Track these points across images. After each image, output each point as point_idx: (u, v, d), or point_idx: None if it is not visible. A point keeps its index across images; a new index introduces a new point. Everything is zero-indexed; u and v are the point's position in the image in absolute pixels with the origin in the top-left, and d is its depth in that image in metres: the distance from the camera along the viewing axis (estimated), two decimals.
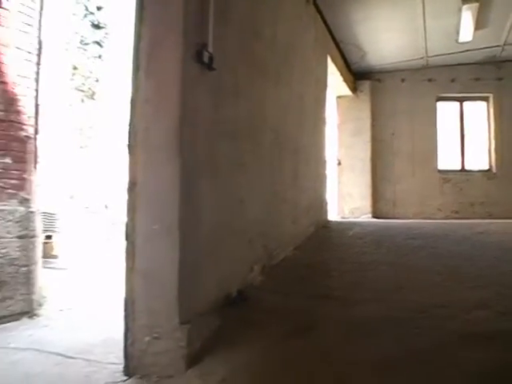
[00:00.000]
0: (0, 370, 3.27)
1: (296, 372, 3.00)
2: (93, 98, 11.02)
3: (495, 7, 8.81)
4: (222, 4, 3.80)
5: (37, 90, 4.95)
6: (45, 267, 5.39)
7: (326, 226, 9.28)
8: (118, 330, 3.37)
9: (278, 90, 5.93)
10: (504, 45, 10.95)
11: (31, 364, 3.47)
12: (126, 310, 3.19)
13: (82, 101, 10.83)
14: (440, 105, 13.02)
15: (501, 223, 9.76)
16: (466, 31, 9.76)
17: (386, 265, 5.84)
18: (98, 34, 11.18)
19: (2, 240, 4.49)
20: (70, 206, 9.63)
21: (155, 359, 3.06)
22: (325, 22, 9.48)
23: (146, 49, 3.23)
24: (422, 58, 11.90)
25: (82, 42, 10.84)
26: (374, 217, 12.60)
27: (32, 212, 4.82)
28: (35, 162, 4.94)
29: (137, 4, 3.29)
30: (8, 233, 4.55)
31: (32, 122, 4.86)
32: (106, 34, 11.30)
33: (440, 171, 12.79)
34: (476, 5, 8.55)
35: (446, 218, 11.96)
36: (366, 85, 13.19)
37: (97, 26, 11.13)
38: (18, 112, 4.70)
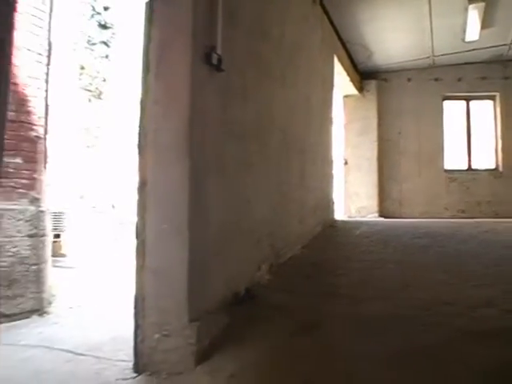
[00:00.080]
0: (11, 367, 3.30)
1: (304, 368, 3.02)
2: (100, 98, 11.07)
3: (501, 6, 8.82)
4: (230, 6, 3.83)
5: (46, 91, 5.01)
6: (53, 266, 5.44)
7: (332, 225, 9.30)
8: (127, 328, 3.42)
9: (285, 90, 5.96)
10: (511, 43, 10.97)
11: (42, 361, 3.51)
12: (136, 307, 3.23)
13: (89, 100, 10.89)
14: (446, 104, 13.02)
15: (507, 222, 9.78)
16: (473, 30, 9.75)
17: (393, 263, 5.85)
18: (105, 34, 11.23)
19: (13, 239, 4.55)
20: (78, 206, 9.69)
21: (165, 356, 3.10)
22: (331, 22, 9.50)
23: (155, 51, 3.27)
24: (428, 57, 11.90)
25: (89, 42, 10.89)
26: (380, 216, 12.61)
27: (42, 211, 4.88)
28: (45, 162, 5.00)
29: (146, 6, 3.33)
30: (19, 232, 4.61)
31: (42, 122, 4.92)
32: (113, 34, 11.36)
33: (446, 170, 12.79)
34: (482, 4, 8.55)
35: (453, 217, 11.96)
36: (372, 84, 13.21)
37: (104, 26, 11.18)
38: (29, 113, 4.76)
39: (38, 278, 4.81)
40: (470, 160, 12.83)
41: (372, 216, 12.56)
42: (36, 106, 4.85)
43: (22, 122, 4.67)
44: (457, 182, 12.64)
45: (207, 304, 3.41)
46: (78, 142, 10.39)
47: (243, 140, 4.40)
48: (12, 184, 4.56)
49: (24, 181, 4.71)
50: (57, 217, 8.30)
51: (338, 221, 10.12)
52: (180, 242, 3.15)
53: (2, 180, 4.20)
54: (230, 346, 3.33)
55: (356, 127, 13.09)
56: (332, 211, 9.81)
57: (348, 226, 9.46)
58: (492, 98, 12.76)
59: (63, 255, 8.04)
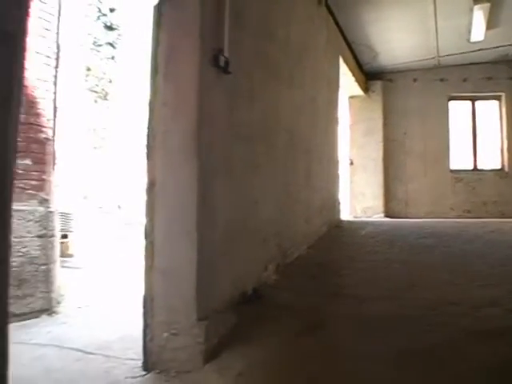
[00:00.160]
0: (22, 366, 3.33)
1: (309, 367, 3.06)
2: (106, 99, 11.11)
3: (507, 7, 8.81)
4: (236, 9, 3.87)
5: (55, 93, 5.05)
6: (61, 266, 5.49)
7: (338, 225, 9.33)
8: (135, 328, 3.48)
9: (291, 91, 5.99)
10: None
11: (52, 359, 3.55)
12: (145, 307, 3.27)
13: (96, 102, 10.93)
14: (452, 104, 13.02)
15: None
16: (478, 31, 9.75)
17: (399, 263, 5.88)
18: (111, 36, 11.26)
19: (23, 239, 4.60)
20: (84, 206, 9.74)
21: (173, 355, 3.14)
22: (337, 23, 9.53)
23: (164, 53, 3.31)
24: (433, 57, 11.90)
25: (95, 43, 10.93)
26: (386, 216, 12.62)
27: (51, 212, 4.93)
28: (53, 163, 5.05)
29: (155, 10, 3.37)
30: (28, 232, 4.66)
31: (51, 124, 4.97)
32: (119, 35, 11.39)
33: (452, 171, 12.79)
34: (487, 5, 8.55)
35: (459, 217, 11.95)
36: (377, 85, 13.22)
37: (110, 28, 11.21)
38: (38, 115, 4.80)
39: (47, 278, 4.86)
40: (475, 160, 12.82)
41: (378, 216, 12.57)
42: (45, 107, 4.89)
43: (31, 123, 4.72)
44: (463, 182, 12.64)
45: (215, 303, 3.45)
46: (84, 143, 10.42)
47: (250, 141, 4.43)
48: (21, 185, 4.61)
49: (33, 182, 4.76)
50: (64, 217, 8.35)
51: (344, 221, 10.15)
52: (188, 243, 3.18)
53: None
54: (237, 345, 3.37)
55: (362, 128, 13.11)
56: (338, 211, 9.84)
57: (354, 226, 9.48)
58: (497, 98, 12.75)
59: (70, 255, 8.07)
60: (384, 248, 7.03)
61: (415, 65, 12.43)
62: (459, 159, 12.90)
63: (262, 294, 4.30)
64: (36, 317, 4.66)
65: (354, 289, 4.78)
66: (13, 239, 4.46)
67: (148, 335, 3.24)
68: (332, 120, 9.24)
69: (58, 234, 5.16)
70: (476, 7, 8.63)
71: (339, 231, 8.76)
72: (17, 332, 4.10)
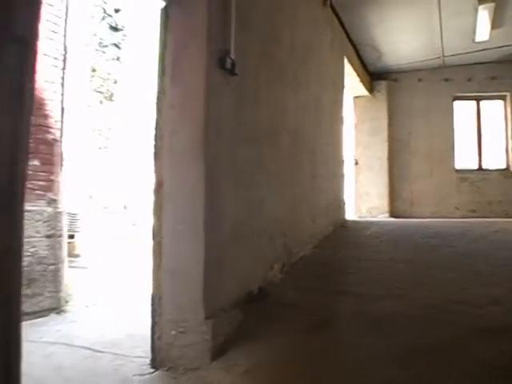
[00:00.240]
0: (33, 363, 3.37)
1: (315, 365, 3.10)
2: (111, 100, 11.14)
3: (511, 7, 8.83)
4: (242, 11, 3.91)
5: (62, 95, 5.10)
6: (68, 266, 5.54)
7: (343, 225, 9.35)
8: (143, 326, 3.52)
9: (297, 92, 6.02)
10: None
11: (62, 357, 3.61)
12: (153, 305, 3.32)
13: (101, 102, 10.96)
14: (457, 104, 13.00)
15: None
16: (483, 31, 9.74)
17: (403, 263, 5.89)
18: (116, 36, 11.28)
19: (32, 239, 4.65)
20: (90, 207, 9.78)
21: (181, 352, 3.18)
22: (341, 24, 9.56)
23: (171, 56, 3.36)
24: (438, 57, 11.90)
25: (100, 44, 10.95)
26: (391, 216, 12.62)
27: (59, 212, 4.99)
28: (61, 164, 5.10)
29: (162, 12, 3.42)
30: (37, 232, 4.72)
31: (58, 125, 5.03)
32: (124, 36, 11.42)
33: (457, 170, 12.77)
34: (492, 5, 8.54)
35: (464, 216, 11.95)
36: (382, 85, 13.21)
37: (115, 29, 11.23)
38: (46, 116, 4.86)
39: (55, 278, 4.92)
40: (480, 160, 12.80)
41: (383, 216, 12.58)
42: (52, 109, 4.95)
43: (40, 125, 4.77)
44: (468, 182, 12.63)
45: (222, 302, 3.50)
46: (89, 144, 10.46)
47: (256, 142, 4.48)
48: (30, 186, 4.65)
49: (41, 182, 4.81)
50: (70, 218, 8.40)
51: (349, 221, 10.16)
52: (196, 243, 3.23)
53: None
54: (244, 343, 3.42)
55: (366, 127, 13.12)
56: (343, 211, 9.86)
57: (359, 226, 9.50)
58: (502, 97, 12.72)
59: (77, 256, 8.11)
60: (389, 248, 7.06)
61: (420, 65, 12.42)
62: (464, 159, 12.88)
63: (268, 292, 4.34)
64: (45, 315, 4.72)
65: (359, 288, 4.81)
66: None
67: (156, 333, 3.29)
68: (337, 120, 9.26)
69: (65, 234, 5.21)
70: (481, 7, 8.63)
71: (344, 231, 8.78)
72: (26, 330, 4.11)
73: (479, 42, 10.54)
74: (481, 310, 3.94)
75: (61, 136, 5.08)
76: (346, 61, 10.01)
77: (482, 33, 9.86)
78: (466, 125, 12.97)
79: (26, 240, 4.56)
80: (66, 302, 5.10)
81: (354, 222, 10.42)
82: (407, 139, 13.07)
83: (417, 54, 11.72)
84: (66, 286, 5.12)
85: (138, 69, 11.08)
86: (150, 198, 3.44)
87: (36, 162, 4.74)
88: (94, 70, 10.74)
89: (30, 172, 4.65)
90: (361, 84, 12.01)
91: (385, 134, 13.04)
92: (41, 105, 4.78)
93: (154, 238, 3.36)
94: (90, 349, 3.76)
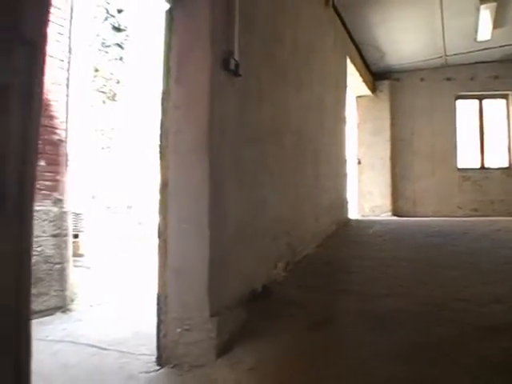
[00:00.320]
0: (40, 361, 3.41)
1: (318, 362, 3.13)
2: (114, 100, 11.19)
3: None
4: (246, 12, 3.95)
5: (67, 95, 5.15)
6: (73, 265, 5.59)
7: (346, 224, 9.39)
8: (148, 324, 3.58)
9: (300, 92, 6.06)
10: None
11: (68, 355, 3.66)
12: (158, 303, 3.37)
13: (104, 102, 11.01)
14: (459, 103, 13.01)
15: None
16: (485, 30, 9.75)
17: (406, 261, 5.91)
18: (119, 37, 11.34)
19: (38, 238, 4.70)
20: (93, 206, 9.83)
21: (187, 349, 3.23)
22: (344, 24, 9.59)
23: (175, 57, 3.40)
24: (440, 57, 11.91)
25: (103, 44, 11.01)
26: (394, 215, 12.64)
27: (65, 212, 5.04)
28: (66, 164, 5.15)
29: (166, 15, 3.46)
30: (43, 232, 4.77)
31: (64, 126, 5.07)
32: (127, 36, 11.47)
33: (459, 169, 12.77)
34: (494, 4, 8.56)
35: (466, 215, 11.95)
36: (385, 84, 13.24)
37: (117, 29, 11.29)
38: (52, 117, 4.91)
39: (61, 277, 4.97)
40: (482, 159, 12.80)
41: (385, 215, 12.60)
42: (58, 110, 5.00)
43: (46, 126, 4.82)
44: (470, 181, 12.64)
45: (226, 300, 3.53)
46: (92, 144, 10.51)
47: (260, 142, 4.51)
48: (37, 186, 4.70)
49: (47, 183, 4.86)
50: (74, 217, 8.44)
51: (352, 220, 10.20)
52: (201, 242, 3.27)
53: None
54: (248, 340, 3.45)
55: (369, 127, 13.14)
56: (346, 210, 9.89)
57: (361, 225, 9.53)
58: (505, 96, 12.72)
59: (81, 255, 8.17)
60: (391, 246, 7.08)
61: (422, 64, 12.44)
62: (466, 158, 12.88)
63: (272, 291, 4.37)
64: (51, 314, 4.77)
65: (362, 286, 4.84)
66: None
67: (162, 331, 3.33)
68: (340, 120, 9.29)
69: (70, 233, 5.26)
70: (482, 7, 8.64)
71: (347, 230, 8.81)
72: (34, 329, 4.19)
73: (481, 42, 10.55)
74: (483, 308, 3.97)
75: (66, 136, 5.12)
76: (348, 61, 10.03)
77: (484, 32, 9.88)
78: (468, 124, 12.97)
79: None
80: (72, 300, 5.15)
81: (356, 221, 10.45)
82: (410, 139, 13.09)
83: (419, 53, 11.73)
84: (71, 285, 5.17)
85: (140, 69, 11.13)
86: (156, 197, 3.48)
87: (42, 163, 4.79)
88: (96, 70, 10.79)
89: (37, 172, 4.69)
90: (363, 84, 12.03)
91: (387, 134, 13.06)
92: (47, 106, 4.82)
93: (159, 237, 3.40)
94: (95, 347, 3.81)
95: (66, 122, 5.13)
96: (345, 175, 9.64)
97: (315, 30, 7.14)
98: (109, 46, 11.15)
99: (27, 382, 1.89)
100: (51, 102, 4.87)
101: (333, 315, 3.99)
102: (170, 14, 3.44)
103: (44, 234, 4.77)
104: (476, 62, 12.26)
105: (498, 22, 9.37)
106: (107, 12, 11.13)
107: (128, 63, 11.43)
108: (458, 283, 4.82)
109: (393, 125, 13.12)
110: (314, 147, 6.91)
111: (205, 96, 3.33)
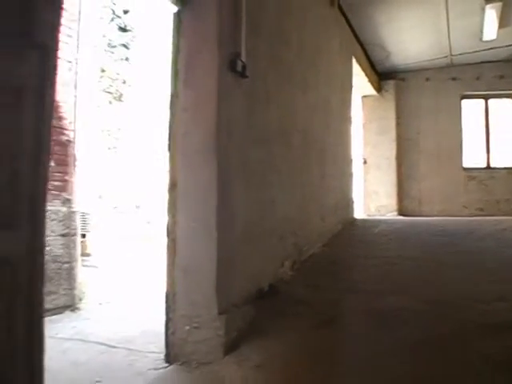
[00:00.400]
0: (51, 359, 3.45)
1: (325, 359, 3.18)
2: (120, 100, 11.21)
3: None
4: (252, 15, 3.99)
5: (75, 96, 5.20)
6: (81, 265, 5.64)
7: (352, 223, 9.41)
8: (156, 323, 3.64)
9: (306, 93, 6.09)
10: None
11: (78, 353, 3.71)
12: (167, 302, 3.42)
13: (110, 103, 11.04)
14: (465, 102, 12.99)
15: None
16: (490, 30, 9.73)
17: (411, 260, 5.94)
18: (125, 37, 11.36)
19: (47, 238, 4.73)
20: (100, 206, 9.87)
21: (195, 347, 3.27)
22: (349, 24, 9.61)
23: (184, 60, 3.45)
24: (446, 56, 11.90)
25: (109, 44, 11.03)
26: (399, 214, 12.64)
27: (73, 212, 5.09)
28: (74, 165, 5.20)
29: (174, 17, 3.51)
30: (52, 231, 4.83)
31: (72, 126, 5.13)
32: (133, 36, 11.49)
33: (465, 169, 12.75)
34: (499, 4, 8.55)
35: (471, 215, 11.93)
36: (390, 84, 13.23)
37: (123, 29, 11.31)
38: (60, 118, 4.96)
39: (69, 276, 5.03)
40: (488, 158, 12.77)
41: (391, 214, 12.60)
42: (66, 111, 5.05)
43: (54, 126, 4.86)
44: (476, 181, 12.62)
45: (234, 298, 3.58)
46: (98, 144, 10.54)
47: (267, 142, 4.56)
48: None
49: (56, 183, 4.92)
50: (82, 217, 8.49)
51: (358, 219, 10.21)
52: (209, 241, 3.32)
53: None
54: (255, 338, 3.50)
55: (375, 127, 13.14)
56: (352, 210, 9.92)
57: (367, 225, 9.55)
58: (510, 96, 12.68)
59: (89, 254, 8.21)
60: (397, 245, 7.11)
61: (428, 64, 12.42)
62: (472, 157, 12.87)
63: (279, 289, 4.42)
64: (60, 313, 4.83)
65: (367, 284, 4.88)
66: None
67: (170, 329, 3.38)
68: (345, 120, 9.31)
69: (79, 233, 5.31)
70: (488, 6, 8.63)
71: (353, 229, 8.83)
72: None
73: (487, 41, 10.53)
74: (487, 305, 4.00)
75: (74, 137, 5.17)
76: (354, 60, 10.04)
77: (490, 32, 9.86)
78: (474, 123, 12.95)
79: None
80: (80, 299, 5.21)
81: (362, 220, 10.47)
82: (415, 138, 13.08)
83: (424, 53, 11.72)
84: (79, 283, 5.22)
85: (146, 69, 11.16)
86: (164, 198, 3.53)
87: (51, 163, 4.83)
88: (103, 71, 10.81)
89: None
90: (369, 84, 12.03)
91: (393, 133, 13.06)
92: (55, 107, 4.87)
93: (168, 236, 3.45)
94: (104, 344, 3.87)
95: (74, 123, 5.18)
96: (350, 175, 9.66)
97: (321, 32, 7.17)
98: (115, 47, 11.17)
99: (40, 379, 1.94)
100: (60, 104, 4.92)
101: (338, 313, 4.03)
102: (178, 16, 3.48)
103: (53, 234, 4.83)
104: (482, 62, 12.24)
105: (503, 22, 9.35)
106: (113, 13, 11.15)
107: (134, 63, 11.46)
108: (462, 282, 4.85)
109: (398, 124, 13.11)
110: (320, 147, 6.94)
111: (212, 98, 3.38)
